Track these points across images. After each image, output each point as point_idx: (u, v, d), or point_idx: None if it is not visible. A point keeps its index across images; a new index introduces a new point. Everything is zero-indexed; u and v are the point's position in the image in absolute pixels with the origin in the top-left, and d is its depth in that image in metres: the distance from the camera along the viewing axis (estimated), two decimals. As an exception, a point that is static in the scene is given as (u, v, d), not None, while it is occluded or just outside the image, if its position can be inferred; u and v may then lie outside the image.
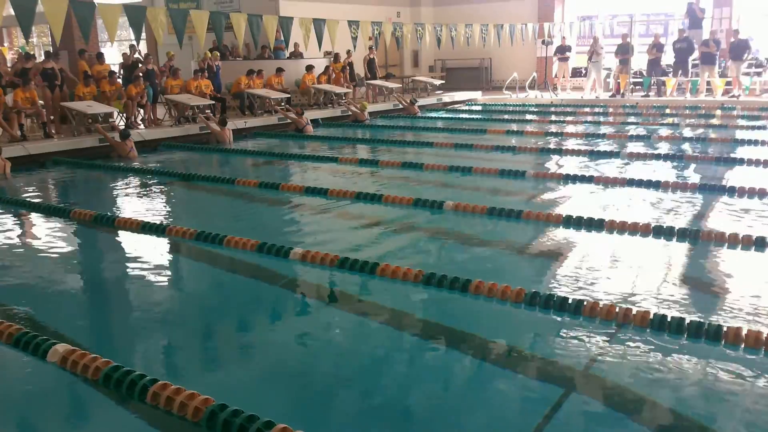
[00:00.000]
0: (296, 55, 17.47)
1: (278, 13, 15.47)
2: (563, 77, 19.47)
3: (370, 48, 17.43)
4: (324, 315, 4.51)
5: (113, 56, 18.82)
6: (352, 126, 14.67)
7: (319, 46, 13.57)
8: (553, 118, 14.90)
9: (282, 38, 14.41)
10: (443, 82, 19.86)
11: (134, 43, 15.63)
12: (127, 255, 5.99)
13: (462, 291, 4.44)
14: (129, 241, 6.23)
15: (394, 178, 8.86)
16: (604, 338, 3.78)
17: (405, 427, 3.10)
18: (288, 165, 10.43)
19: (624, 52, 17.49)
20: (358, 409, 3.25)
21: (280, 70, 15.43)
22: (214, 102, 13.51)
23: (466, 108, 17.82)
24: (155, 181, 8.98)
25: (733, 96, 15.96)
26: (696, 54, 16.86)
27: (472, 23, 17.18)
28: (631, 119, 14.10)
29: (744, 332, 3.57)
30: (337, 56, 17.03)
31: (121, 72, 14.82)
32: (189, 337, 4.19)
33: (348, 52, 16.94)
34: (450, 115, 16.38)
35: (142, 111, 13.14)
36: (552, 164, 9.60)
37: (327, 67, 16.95)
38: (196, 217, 7.33)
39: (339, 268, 4.98)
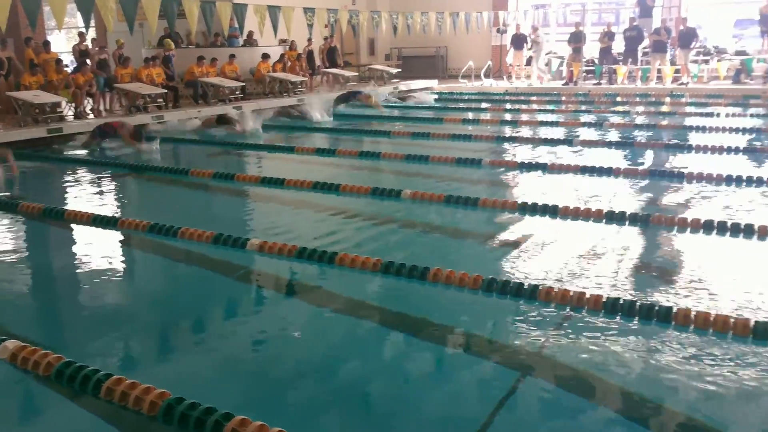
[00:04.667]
0: (251, 42, 17.23)
1: (232, 0, 15.22)
2: (518, 65, 19.67)
3: (327, 37, 17.30)
4: (282, 306, 4.48)
5: (61, 44, 18.28)
6: (309, 115, 14.55)
7: (275, 34, 13.42)
8: (509, 106, 15.05)
9: (236, 25, 14.18)
10: (399, 70, 19.86)
11: (83, 30, 15.19)
12: (78, 249, 5.85)
13: (420, 279, 4.47)
14: (80, 234, 6.08)
15: (352, 168, 8.84)
16: (559, 322, 3.85)
17: (364, 416, 3.10)
18: (244, 155, 10.30)
19: (576, 40, 17.75)
20: (317, 398, 3.24)
21: (232, 57, 15.21)
22: (166, 91, 13.25)
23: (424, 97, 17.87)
24: (107, 172, 8.78)
25: (681, 83, 16.37)
26: (646, 42, 17.21)
27: (427, 11, 17.21)
28: (584, 107, 14.34)
29: (693, 314, 3.68)
30: (292, 44, 16.86)
31: (74, 60, 14.44)
32: (144, 331, 4.11)
33: (309, 40, 16.79)
34: (407, 104, 16.39)
35: (92, 100, 12.81)
36: (507, 152, 9.70)
37: (282, 55, 16.78)
38: (149, 208, 7.20)
39: (297, 259, 4.95)
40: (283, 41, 16.90)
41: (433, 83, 19.51)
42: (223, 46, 16.51)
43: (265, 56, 16.01)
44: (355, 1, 21.22)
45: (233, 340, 3.93)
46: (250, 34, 16.88)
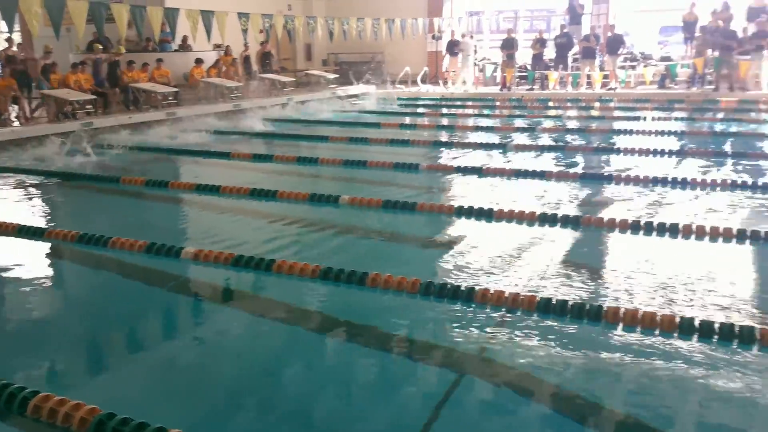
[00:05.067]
0: (185, 48, 16.91)
1: (164, 4, 14.90)
2: (453, 71, 19.95)
3: (263, 42, 17.15)
4: (220, 315, 4.41)
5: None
6: (245, 121, 14.36)
7: (208, 39, 13.21)
8: (445, 111, 15.24)
9: (168, 30, 13.89)
10: (337, 76, 19.85)
11: (9, 34, 14.61)
12: (2, 261, 5.59)
13: (359, 284, 4.47)
14: (4, 245, 5.82)
15: (290, 174, 8.78)
16: (496, 323, 3.92)
17: (306, 425, 3.08)
18: (177, 161, 10.09)
19: (508, 46, 18.14)
20: (258, 409, 3.20)
21: (159, 62, 14.90)
22: (95, 97, 12.86)
23: (361, 101, 17.92)
24: (33, 180, 8.44)
25: (610, 89, 16.93)
26: (576, 49, 17.74)
27: (363, 17, 17.28)
28: (517, 112, 14.66)
29: (622, 311, 3.81)
30: (227, 49, 16.63)
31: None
32: (73, 346, 3.97)
33: (245, 45, 16.61)
34: (344, 109, 16.39)
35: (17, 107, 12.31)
36: (444, 157, 9.82)
37: (217, 60, 16.53)
38: (78, 218, 6.96)
39: (233, 267, 4.88)
40: (217, 46, 16.65)
41: (371, 89, 19.59)
42: (155, 50, 16.15)
43: (199, 61, 15.74)
44: (291, 7, 21.11)
45: (168, 352, 3.84)
46: (185, 38, 16.57)
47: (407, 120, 13.85)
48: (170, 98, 14.18)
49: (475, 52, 19.32)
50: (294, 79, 18.74)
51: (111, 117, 12.80)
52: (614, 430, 2.93)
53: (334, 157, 9.37)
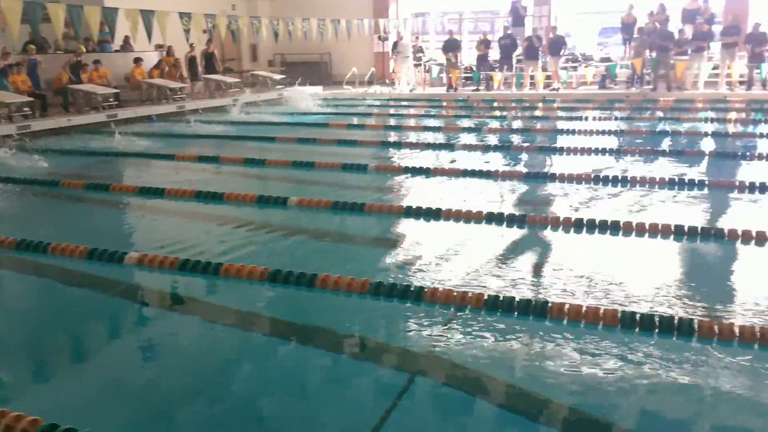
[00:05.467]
0: (126, 48, 16.50)
1: (102, 4, 14.51)
2: (400, 72, 20.04)
3: (209, 41, 16.87)
4: (167, 321, 4.33)
5: None
6: (190, 123, 14.14)
7: (149, 39, 12.94)
8: (392, 112, 15.31)
9: (107, 30, 13.53)
10: (283, 76, 19.70)
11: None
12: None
13: (308, 286, 4.45)
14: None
15: (237, 175, 8.68)
16: (445, 321, 3.96)
17: (257, 428, 3.06)
18: (119, 164, 9.85)
19: (450, 48, 18.34)
20: (208, 414, 3.15)
21: (97, 63, 14.52)
22: (32, 99, 12.43)
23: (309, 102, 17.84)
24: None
25: (553, 89, 17.29)
26: (520, 50, 18.05)
27: (309, 17, 17.20)
28: (463, 112, 14.83)
29: (566, 307, 3.90)
30: (170, 49, 16.31)
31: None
32: (13, 355, 3.83)
33: (191, 45, 16.33)
34: (292, 110, 16.27)
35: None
36: (392, 157, 9.87)
37: (160, 61, 16.20)
38: (15, 223, 6.71)
39: (180, 271, 4.79)
40: (159, 47, 16.32)
41: (318, 89, 19.52)
42: (95, 51, 15.71)
43: (137, 60, 15.37)
44: (235, 7, 20.85)
45: (113, 359, 3.75)
46: (126, 39, 16.18)
47: (356, 120, 13.81)
48: (111, 100, 13.82)
49: (423, 52, 19.44)
50: (240, 80, 18.52)
51: (49, 120, 12.40)
52: (563, 424, 2.99)
53: (281, 158, 9.30)
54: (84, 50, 14.30)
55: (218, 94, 17.10)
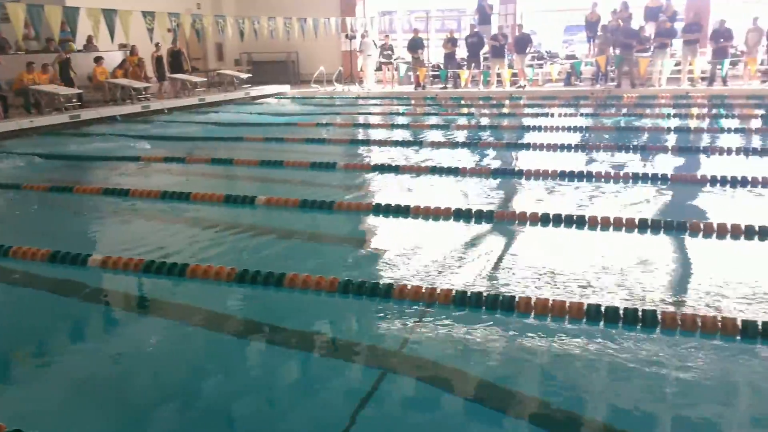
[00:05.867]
0: (90, 48, 16.21)
1: (63, 3, 14.24)
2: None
3: (174, 39, 16.66)
4: (134, 324, 4.27)
5: None
6: (155, 123, 13.96)
7: (111, 39, 12.73)
8: (361, 110, 15.29)
9: (68, 30, 13.28)
10: (250, 75, 19.55)
11: None
12: None
13: (277, 285, 4.43)
14: None
15: (203, 175, 8.59)
16: (415, 318, 3.97)
17: (228, 430, 3.04)
18: (83, 165, 9.67)
19: (415, 46, 18.38)
20: (177, 417, 3.12)
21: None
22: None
23: (276, 102, 17.74)
24: None
25: (519, 86, 17.44)
26: (487, 48, 18.17)
27: (275, 16, 17.08)
28: (432, 110, 14.88)
29: (533, 301, 3.94)
30: (133, 49, 16.06)
31: None
32: (-27, 363, 3.75)
33: (157, 45, 16.10)
34: (259, 110, 16.17)
35: None
36: (361, 155, 9.86)
37: (123, 61, 15.96)
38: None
39: (145, 273, 4.72)
40: (123, 46, 16.08)
41: (285, 88, 19.42)
42: (56, 51, 15.40)
43: (98, 59, 15.10)
44: (200, 5, 20.62)
45: (80, 364, 3.68)
46: (90, 38, 15.90)
47: (324, 119, 13.76)
48: (74, 100, 13.57)
49: (392, 51, 19.42)
50: (205, 79, 18.34)
51: (11, 122, 12.13)
52: (533, 416, 3.02)
53: (249, 157, 9.23)
54: (74, 48, 14.04)
55: (184, 94, 16.89)
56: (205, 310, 4.34)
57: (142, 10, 13.45)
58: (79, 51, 15.94)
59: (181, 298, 4.62)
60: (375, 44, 19.28)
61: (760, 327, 3.54)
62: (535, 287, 4.33)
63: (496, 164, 8.59)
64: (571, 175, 7.40)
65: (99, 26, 12.36)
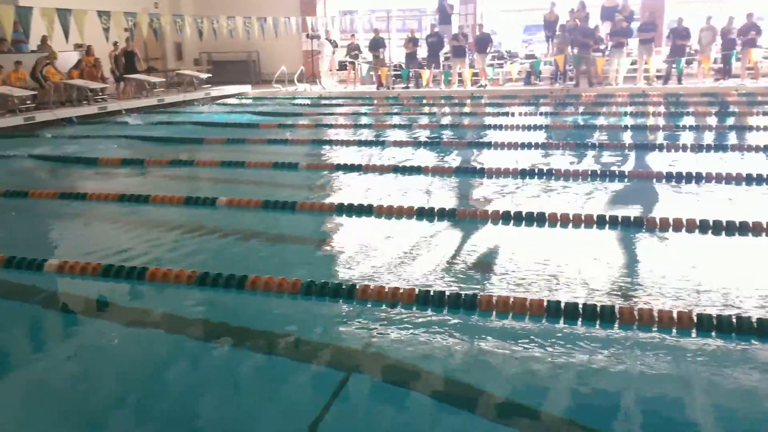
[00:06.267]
0: (44, 49, 15.80)
1: (16, 3, 13.88)
2: (330, 70, 19.97)
3: (127, 39, 16.36)
4: (93, 329, 4.18)
5: None
6: (112, 124, 13.70)
7: (66, 38, 12.44)
8: (323, 110, 15.24)
9: (21, 30, 12.94)
10: (210, 75, 19.32)
11: None
12: None
13: (238, 288, 4.39)
14: None
15: (163, 177, 8.46)
16: (378, 318, 3.97)
17: (191, 434, 3.01)
18: (38, 169, 9.44)
19: (375, 46, 18.40)
20: (140, 422, 3.07)
21: (18, 63, 13.89)
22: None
23: (237, 102, 17.57)
24: None
25: (480, 86, 17.59)
26: (448, 47, 18.28)
27: (235, 15, 16.91)
28: (395, 109, 14.91)
29: (495, 299, 3.98)
30: (89, 49, 15.73)
31: None
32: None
33: (115, 44, 15.79)
34: (220, 110, 16.00)
35: None
36: (323, 154, 9.83)
37: (79, 61, 15.62)
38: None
39: (103, 277, 4.63)
40: (78, 46, 15.73)
41: (246, 88, 19.24)
42: (10, 52, 14.99)
43: (48, 60, 14.72)
44: (158, 4, 20.29)
45: (38, 370, 3.60)
46: (44, 38, 15.50)
47: (286, 119, 13.68)
48: (28, 102, 13.24)
49: (359, 51, 19.38)
50: (164, 80, 18.06)
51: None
52: (498, 413, 3.05)
53: (210, 158, 9.12)
54: (56, 55, 13.74)
55: (142, 95, 16.61)
56: (165, 313, 4.28)
57: (97, 10, 13.17)
58: (32, 51, 15.54)
59: (141, 302, 4.55)
60: (334, 43, 19.23)
61: (714, 320, 3.63)
62: (497, 285, 4.38)
63: (458, 163, 8.65)
64: (532, 173, 7.50)
65: (53, 26, 12.06)
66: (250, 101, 17.62)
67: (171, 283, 4.51)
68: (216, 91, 18.30)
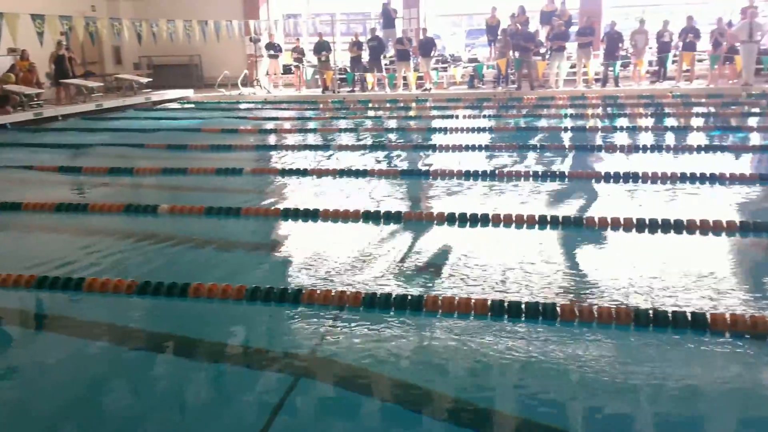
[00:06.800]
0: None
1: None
2: (275, 74, 19.83)
3: (59, 43, 15.85)
4: (29, 343, 4.04)
5: None
6: (49, 131, 13.26)
7: (-4, 42, 12.03)
8: (267, 114, 15.11)
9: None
10: (150, 80, 18.92)
11: None
12: None
13: (181, 296, 4.30)
14: None
15: (102, 185, 8.23)
16: (325, 322, 3.96)
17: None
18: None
19: (320, 50, 18.36)
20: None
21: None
22: None
23: (179, 106, 17.25)
24: None
25: (425, 89, 17.74)
26: (392, 51, 18.37)
27: (174, 19, 16.61)
28: (340, 113, 14.90)
29: (440, 299, 4.01)
30: (24, 53, 15.20)
31: None
32: None
33: (59, 44, 15.27)
34: (161, 115, 15.67)
35: None
36: (268, 159, 9.74)
37: (13, 66, 15.08)
38: None
39: (38, 289, 4.48)
40: (12, 50, 15.19)
41: (189, 93, 18.92)
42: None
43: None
44: (95, 7, 19.76)
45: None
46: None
47: (230, 124, 13.50)
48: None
49: (303, 54, 19.27)
50: (102, 84, 17.60)
51: None
52: (448, 413, 3.07)
53: (151, 165, 8.93)
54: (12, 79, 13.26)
55: (80, 100, 16.14)
56: (106, 324, 4.17)
57: (30, 13, 12.74)
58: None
59: (80, 313, 4.40)
60: (278, 48, 19.08)
61: (651, 315, 3.75)
62: (443, 286, 4.41)
63: (404, 165, 8.70)
64: (476, 175, 7.59)
65: (-17, 30, 11.64)
66: (192, 106, 17.32)
67: (110, 294, 4.39)
68: (157, 95, 17.94)
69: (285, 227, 6.13)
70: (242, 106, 17.02)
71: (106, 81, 18.65)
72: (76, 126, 13.76)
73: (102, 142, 11.31)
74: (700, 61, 17.18)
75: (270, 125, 13.34)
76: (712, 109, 12.82)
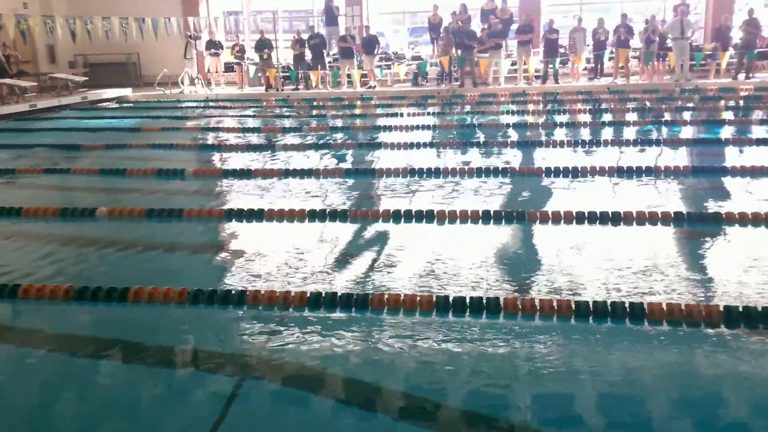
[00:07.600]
0: None
1: None
2: (216, 72, 19.51)
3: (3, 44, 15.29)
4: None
5: None
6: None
7: None
8: (209, 113, 14.86)
9: None
10: (87, 78, 18.35)
11: None
12: None
13: (121, 301, 4.20)
14: None
15: (37, 188, 7.95)
16: (270, 322, 3.92)
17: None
18: None
19: (261, 47, 18.16)
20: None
21: None
22: None
23: (117, 106, 16.79)
24: None
25: (370, 87, 17.74)
26: (336, 49, 18.29)
27: (110, 16, 16.14)
28: (284, 112, 14.78)
29: (386, 297, 4.03)
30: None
31: None
32: None
33: (3, 45, 14.67)
34: (98, 114, 15.22)
35: None
36: (211, 160, 9.58)
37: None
38: None
39: (-32, 297, 4.30)
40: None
41: (127, 92, 18.44)
42: None
43: None
44: (27, 5, 19.03)
45: None
46: None
47: (170, 123, 13.21)
48: None
49: (244, 51, 18.99)
50: (36, 84, 16.99)
51: None
52: (398, 409, 3.09)
53: (88, 166, 8.67)
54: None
55: (12, 100, 15.54)
56: (44, 332, 4.04)
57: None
58: None
59: (16, 321, 4.27)
60: (219, 45, 18.78)
61: (591, 307, 3.84)
62: (389, 283, 4.43)
63: (349, 164, 8.69)
64: (422, 172, 7.63)
65: None
66: (131, 105, 16.89)
67: (47, 300, 4.24)
68: (94, 94, 17.42)
69: (229, 228, 6.05)
70: (183, 104, 16.69)
71: (40, 80, 18.02)
72: (9, 127, 13.23)
73: (37, 143, 10.91)
74: (634, 57, 17.69)
75: (212, 124, 13.12)
76: (648, 104, 13.24)
